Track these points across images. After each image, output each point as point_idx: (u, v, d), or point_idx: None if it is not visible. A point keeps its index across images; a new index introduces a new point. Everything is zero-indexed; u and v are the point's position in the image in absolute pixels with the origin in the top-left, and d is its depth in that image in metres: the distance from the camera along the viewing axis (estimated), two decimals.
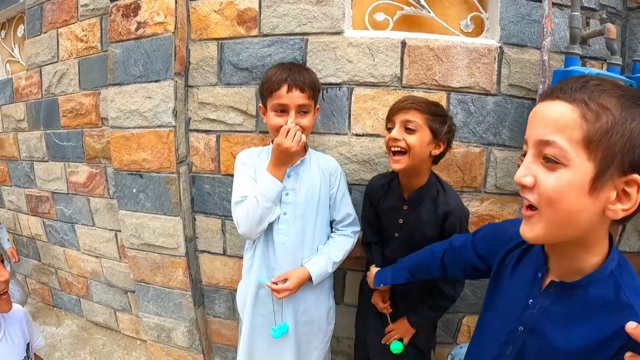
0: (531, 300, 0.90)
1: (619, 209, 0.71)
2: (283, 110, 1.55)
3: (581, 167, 0.69)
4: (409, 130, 1.45)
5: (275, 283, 1.58)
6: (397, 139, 1.45)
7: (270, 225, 1.61)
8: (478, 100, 1.86)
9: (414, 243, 1.55)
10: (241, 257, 2.02)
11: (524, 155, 0.79)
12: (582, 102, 0.69)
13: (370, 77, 1.86)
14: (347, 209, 1.75)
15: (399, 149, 1.46)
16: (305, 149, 1.71)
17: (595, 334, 0.77)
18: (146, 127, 2.04)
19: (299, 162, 1.64)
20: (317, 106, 1.70)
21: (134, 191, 2.14)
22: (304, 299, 1.70)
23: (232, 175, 1.73)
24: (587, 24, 1.86)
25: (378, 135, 1.89)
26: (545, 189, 0.72)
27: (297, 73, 1.55)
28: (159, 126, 2.01)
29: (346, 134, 1.93)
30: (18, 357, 1.36)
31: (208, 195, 2.15)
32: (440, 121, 1.47)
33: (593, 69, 1.64)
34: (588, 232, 0.75)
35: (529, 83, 1.85)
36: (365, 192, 1.77)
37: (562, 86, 0.74)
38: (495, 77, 1.85)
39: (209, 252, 2.25)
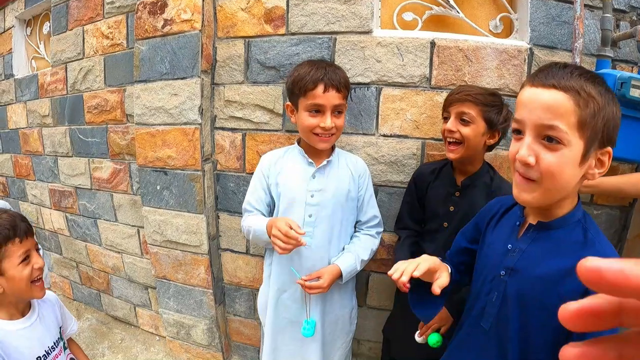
0: (510, 246, 1.02)
1: (596, 173, 0.90)
2: (318, 110, 1.52)
3: (576, 146, 0.84)
4: (464, 122, 1.49)
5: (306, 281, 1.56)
6: (452, 131, 1.51)
7: None
8: (507, 102, 1.83)
9: None
10: (264, 257, 2.02)
11: (516, 132, 0.92)
12: (574, 91, 0.83)
13: (398, 77, 1.84)
14: (373, 211, 1.74)
15: (454, 139, 1.51)
16: (332, 148, 1.70)
17: (567, 262, 0.89)
18: (172, 124, 2.05)
19: (324, 162, 1.62)
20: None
21: (158, 188, 2.15)
22: (330, 299, 1.69)
23: None
24: (617, 26, 1.83)
25: (406, 137, 1.87)
26: (549, 166, 0.86)
27: (332, 72, 1.50)
28: (185, 123, 2.02)
29: (374, 135, 1.91)
30: (52, 338, 1.40)
31: (232, 194, 2.15)
32: (496, 111, 1.49)
33: (625, 72, 1.60)
34: (569, 192, 0.92)
35: None
36: (412, 178, 1.77)
37: (551, 74, 0.85)
38: (524, 79, 1.82)
39: (232, 251, 2.25)
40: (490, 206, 1.20)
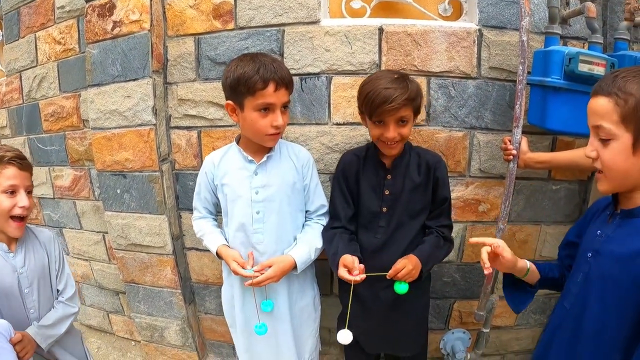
0: (599, 231, 1.12)
1: None
2: (267, 108, 1.48)
3: (623, 138, 0.96)
4: (403, 123, 1.49)
5: (260, 271, 1.54)
6: (394, 137, 1.49)
7: (245, 227, 1.62)
8: (459, 84, 1.86)
9: (406, 213, 1.61)
10: None
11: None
12: (614, 94, 0.95)
13: (348, 65, 1.85)
14: (320, 199, 1.75)
15: (396, 141, 1.51)
16: None
17: None
18: (127, 127, 2.02)
19: (264, 159, 1.61)
20: None
21: (118, 192, 2.13)
22: (292, 290, 1.70)
23: None
24: (567, 3, 1.84)
25: (359, 124, 1.87)
26: (603, 159, 1.01)
27: (280, 70, 1.47)
28: (140, 125, 1.99)
29: (327, 124, 1.92)
30: None
31: (193, 192, 2.11)
32: (420, 98, 1.52)
33: (572, 48, 1.63)
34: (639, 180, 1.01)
35: (510, 65, 1.84)
36: (340, 169, 1.71)
37: (600, 84, 1.00)
38: (475, 60, 1.85)
39: (197, 249, 2.23)
40: (597, 203, 1.26)
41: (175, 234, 2.17)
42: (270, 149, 1.63)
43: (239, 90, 1.47)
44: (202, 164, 2.01)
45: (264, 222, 1.62)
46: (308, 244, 1.64)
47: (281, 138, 1.69)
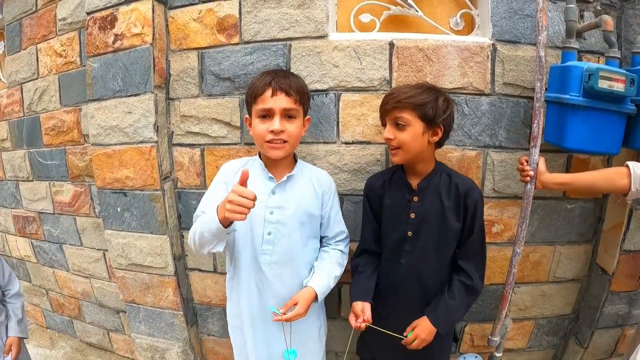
0: None
1: None
2: (267, 115, 1.46)
3: None
4: (400, 127, 1.44)
5: (285, 313, 1.48)
6: (390, 138, 1.46)
7: (254, 245, 1.55)
8: (472, 100, 1.79)
9: (432, 239, 1.53)
10: None
11: None
12: None
13: (358, 81, 1.79)
14: (340, 226, 1.69)
15: (393, 146, 1.47)
16: (294, 159, 1.64)
17: None
18: (127, 144, 1.97)
19: (284, 178, 1.55)
20: (308, 117, 1.61)
21: (119, 210, 2.07)
22: (299, 320, 1.62)
23: None
24: (581, 17, 1.78)
25: (369, 142, 1.82)
26: None
27: (282, 77, 1.47)
28: (141, 142, 1.94)
29: (335, 143, 1.85)
30: None
31: (195, 212, 2.07)
32: (431, 107, 1.41)
33: (592, 64, 1.57)
34: None
35: (525, 81, 1.78)
36: (364, 194, 1.68)
37: None
38: (489, 76, 1.78)
39: (199, 270, 2.17)
40: None
41: (177, 255, 2.11)
42: (291, 168, 1.58)
43: (247, 100, 1.55)
44: (205, 182, 1.98)
45: (274, 244, 1.55)
46: (327, 273, 1.58)
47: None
